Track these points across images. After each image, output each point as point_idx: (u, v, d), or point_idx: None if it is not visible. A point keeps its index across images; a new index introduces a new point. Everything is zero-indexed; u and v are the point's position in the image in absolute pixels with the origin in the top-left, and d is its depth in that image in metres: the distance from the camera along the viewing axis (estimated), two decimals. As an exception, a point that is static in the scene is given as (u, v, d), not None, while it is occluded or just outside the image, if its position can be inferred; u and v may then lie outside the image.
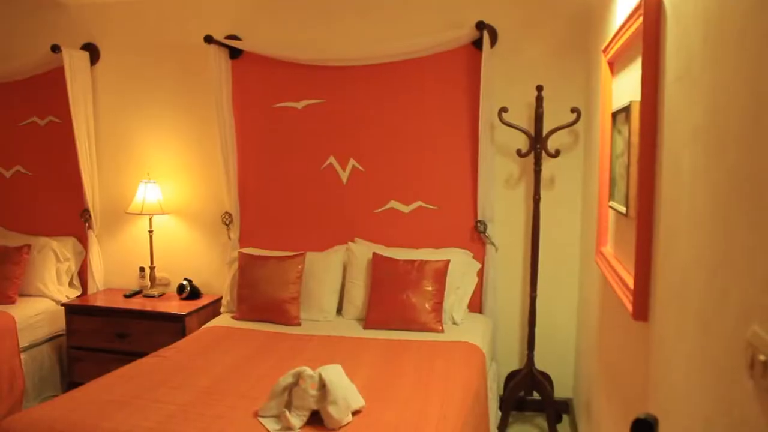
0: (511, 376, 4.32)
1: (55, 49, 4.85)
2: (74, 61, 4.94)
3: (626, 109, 2.19)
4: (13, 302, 4.74)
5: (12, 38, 5.34)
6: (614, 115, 2.55)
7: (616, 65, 2.70)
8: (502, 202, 4.38)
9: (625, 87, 2.41)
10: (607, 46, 2.67)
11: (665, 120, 1.72)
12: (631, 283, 2.01)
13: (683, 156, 1.50)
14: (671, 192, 1.63)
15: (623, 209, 2.24)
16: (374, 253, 4.26)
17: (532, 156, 4.09)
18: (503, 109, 4.07)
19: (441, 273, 4.07)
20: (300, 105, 4.65)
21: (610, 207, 2.61)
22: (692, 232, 1.40)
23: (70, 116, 4.92)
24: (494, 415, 3.91)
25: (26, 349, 4.61)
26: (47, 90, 5.20)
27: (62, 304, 4.83)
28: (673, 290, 1.57)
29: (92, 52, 5.12)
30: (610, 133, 2.65)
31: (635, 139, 2.04)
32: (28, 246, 4.95)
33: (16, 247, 4.93)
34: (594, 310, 3.37)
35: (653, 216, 1.84)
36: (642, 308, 1.90)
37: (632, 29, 2.11)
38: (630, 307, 1.96)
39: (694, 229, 1.38)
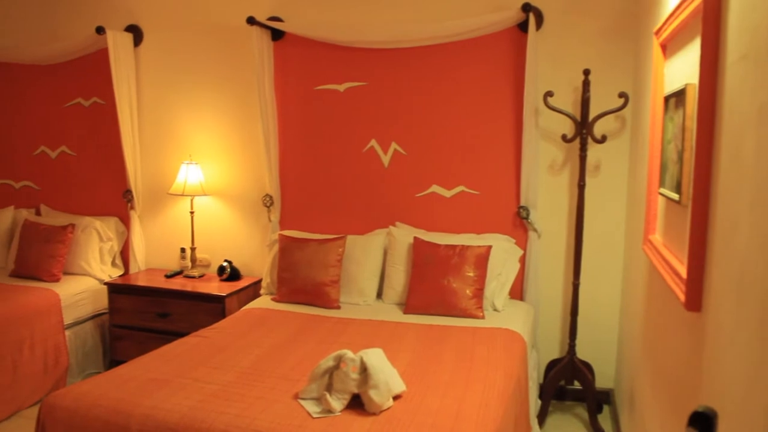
0: (551, 365, 4.27)
1: (100, 30, 4.90)
2: (118, 43, 4.98)
3: (680, 93, 2.12)
4: (57, 280, 4.83)
5: (58, 20, 5.41)
6: (666, 99, 2.47)
7: (669, 48, 2.61)
8: (545, 187, 4.31)
9: (680, 70, 2.33)
10: (660, 28, 2.59)
11: (725, 102, 1.65)
12: (683, 272, 1.94)
13: (746, 140, 1.43)
14: (731, 178, 1.57)
15: (675, 196, 2.17)
16: (415, 238, 4.23)
17: (577, 141, 4.02)
18: (549, 93, 3.99)
19: (483, 259, 4.02)
20: (342, 87, 4.62)
21: (660, 194, 2.53)
22: (755, 220, 1.34)
23: (113, 97, 4.97)
24: (534, 403, 3.87)
25: (70, 326, 4.70)
26: (91, 71, 5.26)
27: (105, 283, 4.91)
28: (732, 280, 1.51)
29: (136, 33, 5.15)
30: (662, 118, 2.58)
31: (691, 123, 1.97)
32: (73, 225, 5.02)
33: (61, 226, 5.00)
34: (639, 299, 3.30)
35: (709, 203, 1.78)
36: (695, 298, 1.84)
37: (689, 9, 2.03)
38: (682, 297, 1.90)
39: (757, 216, 1.32)
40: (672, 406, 2.25)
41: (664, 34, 2.52)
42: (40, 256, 4.87)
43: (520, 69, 4.16)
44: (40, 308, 4.46)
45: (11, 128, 5.67)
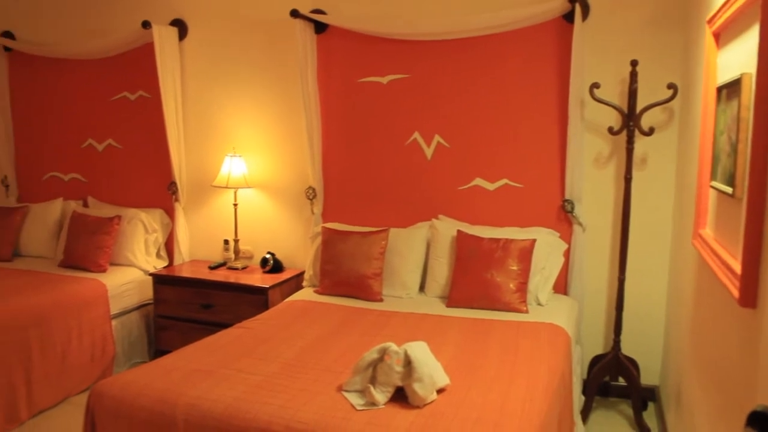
0: (595, 360, 4.22)
1: (146, 25, 4.95)
2: (163, 37, 5.04)
3: (735, 83, 2.07)
4: (104, 271, 4.91)
5: (105, 15, 5.49)
6: (719, 89, 2.41)
7: (722, 37, 2.55)
8: (590, 181, 4.24)
9: (734, 59, 2.27)
10: (714, 17, 2.53)
11: (785, 92, 1.60)
12: (736, 267, 1.89)
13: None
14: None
15: (729, 189, 2.11)
16: (458, 231, 4.20)
17: (623, 134, 3.95)
18: (595, 85, 3.93)
19: (526, 252, 3.98)
20: (385, 80, 4.61)
21: (712, 187, 2.48)
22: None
23: (159, 91, 5.04)
24: (578, 399, 3.83)
25: (116, 316, 4.78)
26: (137, 65, 5.33)
27: (150, 274, 4.98)
28: (791, 275, 1.47)
29: (180, 27, 5.21)
30: (714, 109, 2.52)
31: (746, 114, 1.92)
32: (119, 217, 5.11)
33: (107, 217, 5.09)
34: (687, 295, 3.24)
35: (766, 195, 1.73)
36: (750, 294, 1.79)
37: (747, -4, 1.97)
38: (736, 293, 1.85)
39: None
40: (723, 404, 2.20)
41: (718, 23, 2.46)
42: (87, 247, 4.96)
43: (566, 60, 4.10)
44: (88, 298, 4.55)
45: (60, 122, 5.78)
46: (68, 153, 5.78)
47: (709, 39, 2.65)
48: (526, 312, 3.89)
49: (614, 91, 4.07)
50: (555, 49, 4.20)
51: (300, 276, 4.86)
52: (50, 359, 4.18)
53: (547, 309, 3.99)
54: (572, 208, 4.20)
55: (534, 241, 4.04)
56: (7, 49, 5.86)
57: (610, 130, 3.98)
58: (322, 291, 4.34)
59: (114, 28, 5.40)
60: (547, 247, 4.16)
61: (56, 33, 5.68)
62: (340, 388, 2.74)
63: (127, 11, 5.35)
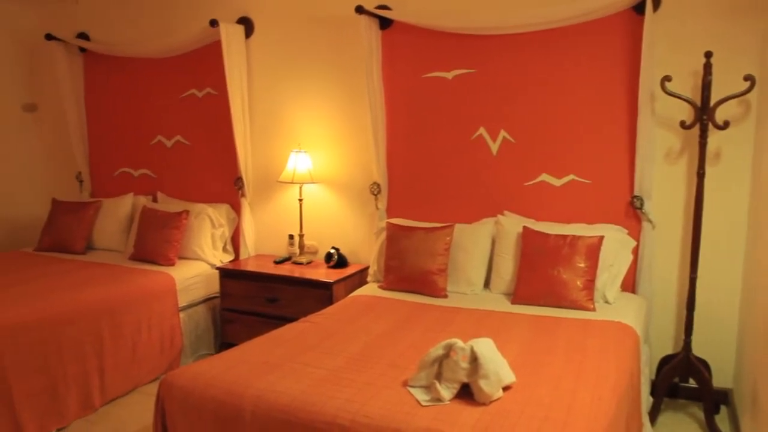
0: (664, 361, 4.11)
1: (213, 23, 5.03)
2: (230, 35, 5.11)
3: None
4: (172, 264, 5.02)
5: (173, 15, 5.63)
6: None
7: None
8: (661, 176, 4.13)
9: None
10: (795, 5, 2.43)
11: None
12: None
13: None
14: None
15: (811, 184, 2.03)
16: (524, 227, 4.15)
17: (696, 128, 3.83)
18: (666, 78, 3.82)
19: (594, 249, 3.91)
20: (450, 75, 4.59)
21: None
22: None
23: (225, 88, 5.12)
24: (646, 400, 3.74)
25: (184, 308, 4.89)
26: (205, 63, 5.44)
27: (216, 268, 5.07)
28: None
29: (247, 25, 5.28)
30: (795, 100, 2.42)
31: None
32: (187, 212, 5.21)
33: (176, 212, 5.20)
34: (765, 294, 3.13)
35: None
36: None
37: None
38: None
39: None
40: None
41: (800, 11, 2.36)
42: (156, 241, 5.08)
43: (635, 53, 4.00)
44: (157, 291, 4.66)
45: (131, 119, 5.96)
46: (138, 149, 5.94)
47: (790, 28, 2.55)
48: (594, 310, 3.82)
49: (686, 84, 3.95)
50: (624, 41, 4.11)
51: (364, 271, 4.87)
52: (121, 349, 4.30)
53: (615, 307, 3.90)
54: (641, 205, 4.10)
55: (602, 237, 3.96)
56: (82, 49, 6.06)
57: (683, 125, 3.87)
58: (387, 286, 4.34)
59: (182, 27, 5.52)
60: (616, 244, 4.08)
61: (128, 33, 5.84)
62: (405, 384, 2.73)
63: (194, 10, 5.46)
